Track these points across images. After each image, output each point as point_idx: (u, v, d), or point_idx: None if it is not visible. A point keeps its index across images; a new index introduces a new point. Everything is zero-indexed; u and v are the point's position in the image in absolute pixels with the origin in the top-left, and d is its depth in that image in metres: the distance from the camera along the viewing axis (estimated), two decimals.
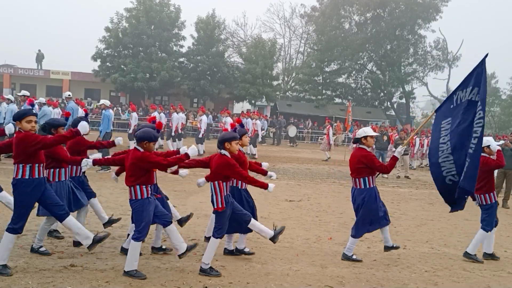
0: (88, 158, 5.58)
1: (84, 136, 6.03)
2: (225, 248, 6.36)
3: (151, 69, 35.10)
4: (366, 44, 43.13)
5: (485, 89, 5.99)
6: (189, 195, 10.41)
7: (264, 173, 6.48)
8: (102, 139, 13.15)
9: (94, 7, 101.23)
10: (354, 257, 6.54)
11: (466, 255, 6.95)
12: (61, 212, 5.30)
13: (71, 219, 5.35)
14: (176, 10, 37.54)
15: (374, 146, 17.70)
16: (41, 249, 5.85)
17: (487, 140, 6.96)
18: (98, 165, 5.71)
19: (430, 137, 21.25)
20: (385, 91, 44.11)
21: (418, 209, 11.10)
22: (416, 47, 43.88)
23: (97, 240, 5.41)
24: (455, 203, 6.33)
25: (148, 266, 5.60)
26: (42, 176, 5.20)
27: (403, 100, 45.82)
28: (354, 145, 18.02)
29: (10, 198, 6.06)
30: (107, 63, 36.50)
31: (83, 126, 5.46)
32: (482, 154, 6.56)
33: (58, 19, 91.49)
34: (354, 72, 45.44)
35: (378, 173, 6.55)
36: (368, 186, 6.44)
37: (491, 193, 6.96)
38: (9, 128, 6.39)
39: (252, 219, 5.90)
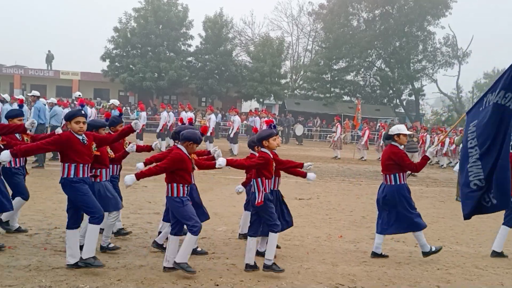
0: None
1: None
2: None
3: (160, 69, 35.23)
4: (375, 41, 42.94)
5: None
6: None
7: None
8: None
9: (93, 7, 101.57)
10: (383, 253, 6.58)
11: (494, 254, 6.90)
12: (98, 215, 5.34)
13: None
14: (184, 10, 37.65)
15: (383, 143, 17.65)
16: (110, 245, 5.96)
17: None
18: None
19: (440, 135, 21.24)
20: (394, 89, 43.87)
21: (429, 206, 11.03)
22: (426, 43, 43.59)
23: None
24: (471, 212, 6.20)
25: (159, 264, 5.61)
26: (87, 175, 5.27)
27: (413, 97, 45.54)
28: (382, 143, 17.95)
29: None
30: (116, 63, 36.70)
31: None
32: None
33: (59, 19, 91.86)
34: (362, 69, 45.24)
35: (409, 172, 6.54)
36: (399, 183, 6.43)
37: None
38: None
39: None
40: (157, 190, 10.43)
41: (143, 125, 18.44)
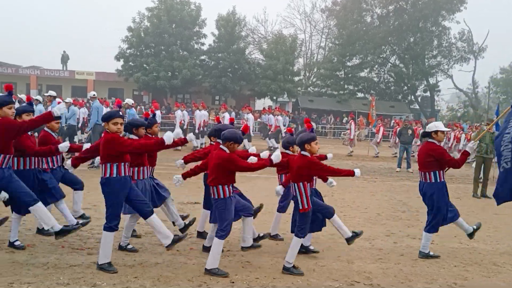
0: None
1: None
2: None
3: (173, 68, 35.38)
4: (389, 37, 42.57)
5: None
6: None
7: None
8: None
9: (93, 7, 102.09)
10: (431, 253, 6.53)
11: None
12: (147, 209, 5.44)
13: (155, 217, 5.47)
14: (197, 8, 37.73)
15: (399, 140, 17.52)
16: (128, 247, 6.04)
17: None
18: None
19: (456, 131, 21.00)
20: (409, 85, 43.46)
21: None
22: (440, 39, 43.08)
23: (175, 240, 5.47)
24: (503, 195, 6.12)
25: (175, 262, 5.66)
26: (128, 174, 5.33)
27: (428, 94, 45.07)
28: (397, 139, 17.81)
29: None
30: (130, 63, 36.94)
31: (168, 137, 5.62)
32: None
33: (57, 20, 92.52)
34: (376, 66, 44.88)
35: (447, 168, 6.51)
36: (438, 180, 6.44)
37: None
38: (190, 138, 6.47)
39: (335, 215, 6.12)
40: (172, 189, 10.45)
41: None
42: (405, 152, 16.77)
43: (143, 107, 33.24)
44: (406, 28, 42.09)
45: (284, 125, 23.79)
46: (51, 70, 39.55)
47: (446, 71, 44.69)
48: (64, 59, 39.77)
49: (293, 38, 39.37)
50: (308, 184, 5.55)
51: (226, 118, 19.48)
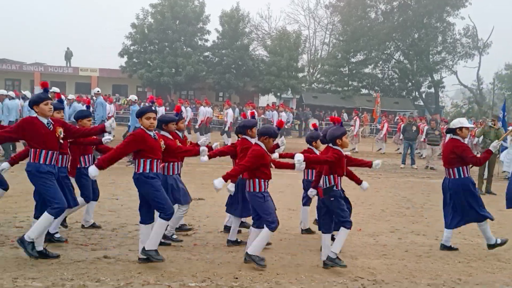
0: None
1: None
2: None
3: (177, 64, 35.37)
4: (393, 33, 42.40)
5: None
6: None
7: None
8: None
9: (93, 7, 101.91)
10: (452, 246, 6.61)
11: None
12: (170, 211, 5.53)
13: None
14: (201, 5, 37.67)
15: (403, 136, 17.48)
16: (173, 236, 6.23)
17: None
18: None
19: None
20: (413, 81, 43.30)
21: None
22: (445, 35, 42.87)
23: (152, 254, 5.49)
24: None
25: (179, 258, 5.66)
26: (159, 171, 5.37)
27: (432, 90, 44.90)
28: (401, 136, 17.76)
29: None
30: (134, 59, 36.95)
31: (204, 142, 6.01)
32: None
33: (59, 19, 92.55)
34: (380, 62, 44.71)
35: (471, 165, 6.52)
36: (463, 176, 6.43)
37: None
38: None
39: None
40: None
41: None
42: (409, 148, 16.73)
43: (146, 103, 33.26)
44: (411, 24, 41.91)
45: (288, 122, 23.79)
46: (55, 67, 39.60)
47: (451, 67, 44.51)
48: (68, 55, 39.83)
49: (297, 35, 39.25)
50: (339, 178, 5.60)
51: (229, 114, 19.50)
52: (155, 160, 5.27)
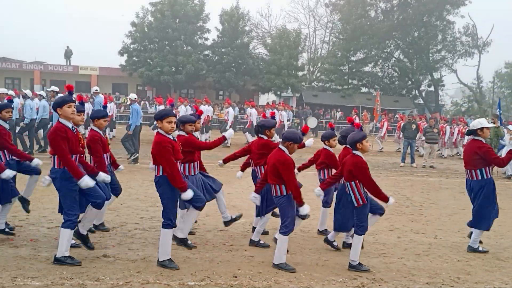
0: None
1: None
2: (344, 242, 6.47)
3: (177, 63, 35.36)
4: (393, 32, 42.41)
5: None
6: None
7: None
8: (132, 132, 13.33)
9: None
10: (480, 248, 6.57)
11: None
12: (200, 204, 5.67)
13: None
14: (200, 3, 37.65)
15: (403, 135, 17.47)
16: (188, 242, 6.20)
17: None
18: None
19: (460, 126, 20.92)
20: (413, 79, 43.32)
21: (449, 198, 10.91)
22: (445, 33, 42.88)
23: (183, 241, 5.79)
24: None
25: (178, 256, 5.66)
26: (181, 171, 5.39)
27: (432, 88, 44.93)
28: (401, 134, 17.81)
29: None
30: (134, 58, 36.93)
31: (230, 133, 6.18)
32: None
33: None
34: (380, 60, 44.75)
35: (493, 165, 6.55)
36: (485, 177, 6.44)
37: None
38: (230, 133, 6.57)
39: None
40: None
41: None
42: (409, 147, 16.73)
43: (147, 102, 33.26)
44: (411, 23, 41.90)
45: (288, 120, 23.76)
46: (54, 65, 39.57)
47: (451, 66, 44.55)
48: (68, 54, 39.76)
49: (297, 33, 39.23)
50: (361, 183, 5.56)
51: (230, 113, 19.49)
52: (177, 162, 5.30)
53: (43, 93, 14.93)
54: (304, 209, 5.33)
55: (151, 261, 5.44)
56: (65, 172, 5.06)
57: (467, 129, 6.78)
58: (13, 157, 6.26)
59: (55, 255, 5.18)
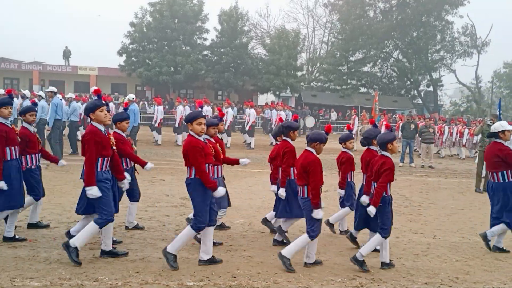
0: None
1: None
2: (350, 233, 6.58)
3: (176, 63, 35.34)
4: (392, 32, 42.45)
5: None
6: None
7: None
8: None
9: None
10: (505, 248, 6.65)
11: None
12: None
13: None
14: (199, 3, 37.61)
15: (401, 135, 17.48)
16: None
17: None
18: None
19: (459, 126, 20.94)
20: (412, 79, 43.36)
21: (447, 198, 10.92)
22: (444, 33, 42.94)
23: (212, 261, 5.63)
24: None
25: (177, 257, 5.66)
26: (210, 174, 5.40)
27: (431, 88, 44.98)
28: (400, 134, 17.74)
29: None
30: (133, 58, 36.90)
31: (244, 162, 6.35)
32: None
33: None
34: (379, 60, 44.79)
35: None
36: (507, 180, 6.47)
37: None
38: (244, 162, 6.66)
39: None
40: (174, 184, 10.51)
41: (161, 119, 18.62)
42: (407, 147, 16.74)
43: (146, 102, 33.25)
44: (409, 23, 41.95)
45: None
46: (53, 66, 39.53)
47: (449, 66, 44.61)
48: (66, 54, 39.73)
49: (296, 33, 39.24)
50: (389, 184, 5.61)
51: (229, 113, 19.47)
52: (207, 165, 5.32)
53: (42, 94, 14.93)
54: (317, 213, 5.33)
55: (150, 262, 5.44)
56: (98, 174, 5.15)
57: (491, 131, 6.76)
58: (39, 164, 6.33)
59: (67, 241, 5.24)
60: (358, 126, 21.92)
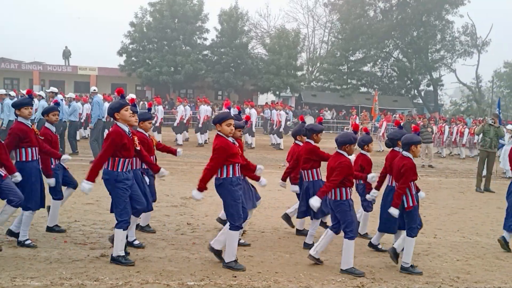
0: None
1: None
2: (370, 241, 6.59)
3: (176, 63, 35.33)
4: (392, 32, 42.42)
5: None
6: None
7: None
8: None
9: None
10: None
11: None
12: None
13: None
14: (199, 3, 37.59)
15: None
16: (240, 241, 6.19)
17: None
18: None
19: (459, 125, 20.93)
20: (412, 79, 43.34)
21: (448, 198, 10.92)
22: (444, 33, 42.89)
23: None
24: None
25: (178, 256, 5.66)
26: (239, 174, 5.39)
27: (431, 88, 44.95)
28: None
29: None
30: (133, 58, 36.90)
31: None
32: None
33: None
34: (379, 60, 44.75)
35: None
36: None
37: None
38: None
39: None
40: (174, 184, 10.50)
41: (161, 119, 18.63)
42: None
43: (145, 102, 33.25)
44: (409, 22, 41.92)
45: (288, 120, 23.76)
46: (53, 66, 39.52)
47: (450, 65, 44.58)
48: (66, 54, 39.73)
49: (296, 33, 39.21)
50: (412, 182, 5.55)
51: (253, 114, 19.44)
52: (237, 165, 5.30)
53: (42, 94, 14.93)
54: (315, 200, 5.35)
55: (150, 261, 5.44)
56: (118, 174, 5.13)
57: (511, 133, 6.86)
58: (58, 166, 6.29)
59: (112, 254, 5.26)
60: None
